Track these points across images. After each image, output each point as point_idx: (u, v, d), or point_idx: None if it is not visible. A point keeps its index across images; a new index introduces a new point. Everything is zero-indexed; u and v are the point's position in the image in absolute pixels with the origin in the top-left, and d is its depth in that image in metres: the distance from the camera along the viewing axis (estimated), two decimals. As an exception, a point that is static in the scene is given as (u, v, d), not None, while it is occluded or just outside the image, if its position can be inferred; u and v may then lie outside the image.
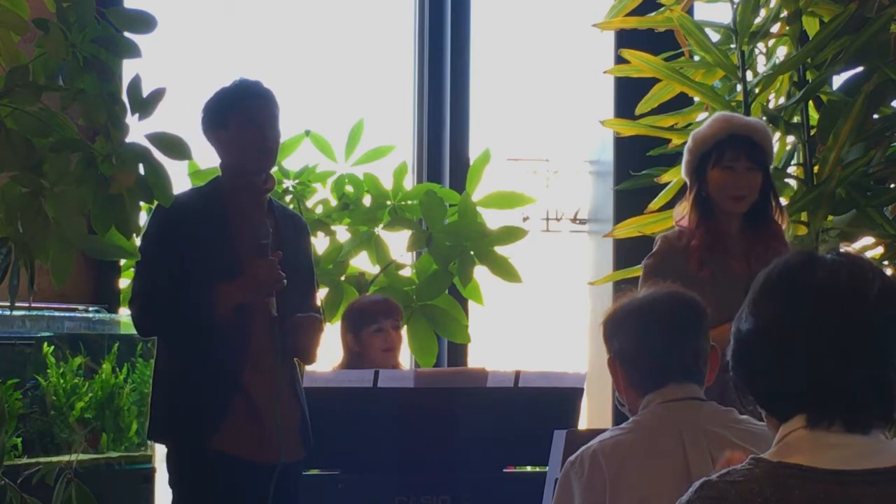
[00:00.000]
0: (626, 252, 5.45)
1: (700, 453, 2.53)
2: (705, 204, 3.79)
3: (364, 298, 4.91)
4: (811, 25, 4.82)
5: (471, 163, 5.65)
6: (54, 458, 4.31)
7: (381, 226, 5.49)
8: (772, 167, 3.93)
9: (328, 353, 5.02)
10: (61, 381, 4.61)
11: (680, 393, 2.61)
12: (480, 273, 5.43)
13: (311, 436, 3.75)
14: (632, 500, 2.48)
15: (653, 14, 4.90)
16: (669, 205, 4.81)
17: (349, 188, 5.54)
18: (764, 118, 4.64)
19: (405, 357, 4.87)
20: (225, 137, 3.72)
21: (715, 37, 4.86)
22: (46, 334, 4.70)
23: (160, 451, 4.40)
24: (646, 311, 2.65)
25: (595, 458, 2.52)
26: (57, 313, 4.76)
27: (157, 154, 2.96)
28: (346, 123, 5.59)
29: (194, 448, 3.60)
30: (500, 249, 5.40)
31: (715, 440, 2.53)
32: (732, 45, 4.81)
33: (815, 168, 4.66)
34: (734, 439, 2.52)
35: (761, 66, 4.96)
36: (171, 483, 3.70)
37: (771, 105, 4.85)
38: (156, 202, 3.23)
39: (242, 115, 3.69)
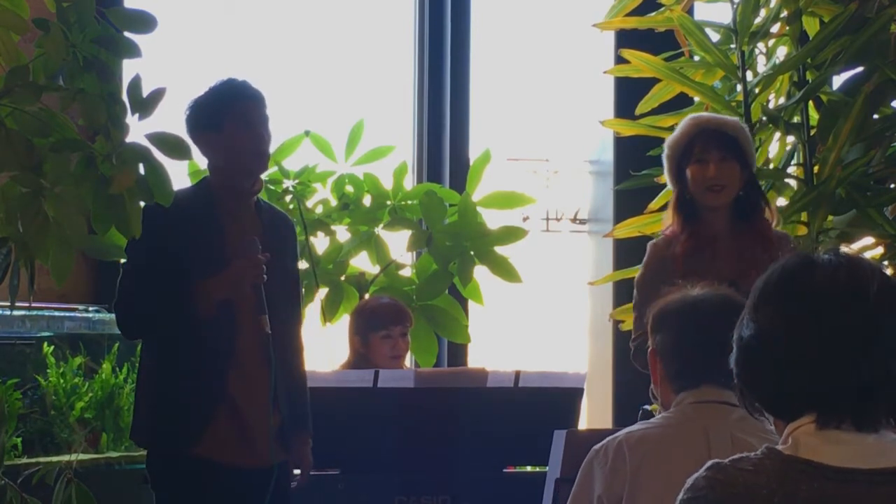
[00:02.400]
0: (626, 252, 5.45)
1: (724, 457, 2.53)
2: (688, 206, 3.77)
3: (374, 301, 4.86)
4: (811, 25, 4.82)
5: (471, 163, 5.65)
6: (54, 458, 4.31)
7: (381, 226, 5.49)
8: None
9: (329, 353, 5.03)
10: (61, 381, 4.61)
11: (712, 395, 2.59)
12: (480, 273, 5.42)
13: (293, 439, 3.67)
14: (649, 495, 2.48)
15: (653, 14, 4.89)
16: (669, 205, 4.82)
17: (349, 188, 5.53)
18: (764, 118, 4.65)
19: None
20: (217, 140, 3.64)
21: (715, 37, 4.86)
22: (46, 334, 4.70)
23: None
24: (689, 310, 2.63)
25: (620, 448, 2.53)
26: (57, 313, 4.76)
27: (157, 154, 2.96)
28: (346, 123, 5.58)
29: (174, 455, 3.53)
30: (500, 249, 5.40)
31: (740, 446, 2.50)
32: (732, 45, 4.80)
33: (815, 168, 4.66)
34: None
35: (761, 66, 4.95)
36: (153, 487, 3.62)
37: (771, 105, 4.84)
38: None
39: (237, 118, 3.61)
